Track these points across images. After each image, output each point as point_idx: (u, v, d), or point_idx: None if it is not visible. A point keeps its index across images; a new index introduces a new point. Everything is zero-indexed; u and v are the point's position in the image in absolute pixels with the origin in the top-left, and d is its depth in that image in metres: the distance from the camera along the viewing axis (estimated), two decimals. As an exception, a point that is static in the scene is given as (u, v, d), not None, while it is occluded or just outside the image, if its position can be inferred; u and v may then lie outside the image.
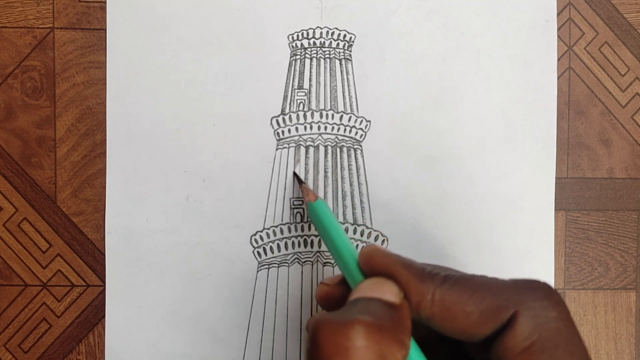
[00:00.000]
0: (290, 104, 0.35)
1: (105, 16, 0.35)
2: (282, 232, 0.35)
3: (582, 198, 0.36)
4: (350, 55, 0.35)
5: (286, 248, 0.35)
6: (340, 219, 0.35)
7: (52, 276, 0.35)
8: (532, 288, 0.22)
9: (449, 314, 0.21)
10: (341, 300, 0.25)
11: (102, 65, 0.35)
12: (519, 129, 0.35)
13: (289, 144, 0.35)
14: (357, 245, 0.35)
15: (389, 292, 0.22)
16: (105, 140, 0.35)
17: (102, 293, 0.35)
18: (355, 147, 0.35)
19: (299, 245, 0.35)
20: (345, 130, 0.35)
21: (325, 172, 0.35)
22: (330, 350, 0.19)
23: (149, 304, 0.34)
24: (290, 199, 0.35)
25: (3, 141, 0.35)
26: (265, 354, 0.34)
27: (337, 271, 0.35)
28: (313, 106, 0.35)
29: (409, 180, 0.35)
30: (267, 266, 0.35)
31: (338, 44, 0.35)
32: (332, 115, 0.35)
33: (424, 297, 0.21)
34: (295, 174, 0.34)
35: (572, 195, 0.36)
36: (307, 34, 0.35)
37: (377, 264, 0.23)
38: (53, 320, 0.35)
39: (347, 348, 0.19)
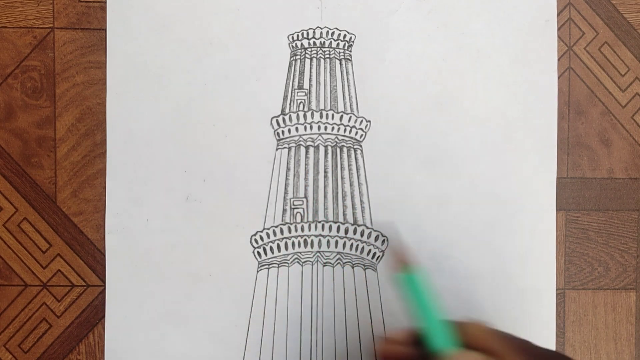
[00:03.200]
0: (290, 104, 0.35)
1: (105, 16, 0.35)
2: (282, 232, 0.35)
3: (582, 198, 0.36)
4: (350, 55, 0.35)
5: (286, 248, 0.35)
6: (340, 219, 0.35)
7: (52, 276, 0.35)
8: None
9: None
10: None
11: (102, 65, 0.35)
12: (519, 129, 0.35)
13: (289, 144, 0.35)
14: (358, 245, 0.35)
15: None
16: (105, 140, 0.35)
17: (102, 293, 0.35)
18: (355, 147, 0.35)
19: (299, 246, 0.35)
20: (345, 130, 0.35)
21: (325, 172, 0.35)
22: None
23: (149, 304, 0.34)
24: (290, 199, 0.35)
25: (3, 141, 0.35)
26: (265, 354, 0.34)
27: (337, 272, 0.35)
28: (313, 106, 0.35)
29: (409, 180, 0.35)
30: (267, 266, 0.35)
31: (338, 44, 0.35)
32: (332, 115, 0.35)
33: None
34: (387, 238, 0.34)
35: (572, 195, 0.36)
36: (307, 34, 0.35)
37: (484, 346, 0.23)
38: (53, 320, 0.35)
39: None
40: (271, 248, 0.35)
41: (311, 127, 0.35)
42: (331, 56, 0.35)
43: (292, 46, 0.35)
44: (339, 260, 0.35)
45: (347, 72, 0.35)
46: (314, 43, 0.35)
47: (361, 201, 0.35)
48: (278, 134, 0.35)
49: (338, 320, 0.34)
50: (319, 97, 0.35)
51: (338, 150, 0.35)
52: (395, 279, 0.26)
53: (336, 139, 0.35)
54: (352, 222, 0.35)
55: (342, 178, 0.35)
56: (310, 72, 0.35)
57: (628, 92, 0.36)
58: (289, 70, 0.35)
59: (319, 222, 0.35)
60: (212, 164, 0.35)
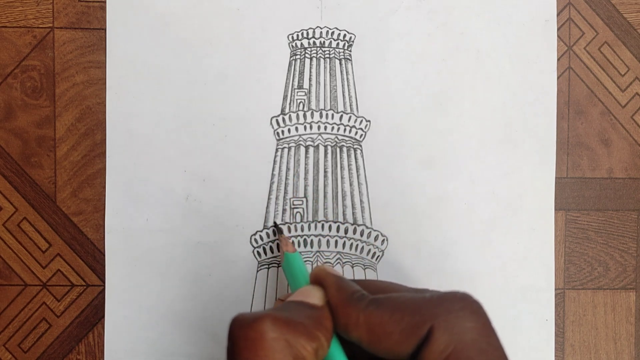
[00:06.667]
0: (290, 103, 0.35)
1: (105, 16, 0.35)
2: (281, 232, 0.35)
3: (582, 198, 0.36)
4: (350, 55, 0.35)
5: (286, 248, 0.35)
6: (340, 218, 0.35)
7: (51, 276, 0.35)
8: (448, 300, 0.22)
9: (374, 336, 0.22)
10: None
11: (102, 65, 0.35)
12: (519, 129, 0.35)
13: (288, 144, 0.35)
14: (358, 244, 0.35)
15: (313, 297, 0.24)
16: (105, 140, 0.35)
17: (102, 293, 0.35)
18: (355, 147, 0.35)
19: (299, 245, 0.35)
20: (345, 130, 0.35)
21: (325, 172, 0.35)
22: (242, 343, 0.21)
23: (149, 304, 0.34)
24: (290, 198, 0.35)
25: (3, 141, 0.35)
26: (265, 354, 0.34)
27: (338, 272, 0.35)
28: (313, 106, 0.35)
29: (409, 180, 0.35)
30: (266, 266, 0.35)
31: (338, 44, 0.35)
32: (332, 115, 0.35)
33: (350, 320, 0.22)
34: (275, 224, 0.34)
35: (571, 195, 0.36)
36: (307, 33, 0.35)
37: (320, 283, 0.25)
38: (53, 320, 0.35)
39: (256, 339, 0.20)
40: (271, 248, 0.35)
41: (311, 127, 0.35)
42: (331, 56, 0.35)
43: (292, 46, 0.35)
44: (338, 260, 0.35)
45: (347, 72, 0.35)
46: (314, 43, 0.35)
47: (361, 201, 0.35)
48: (278, 133, 0.35)
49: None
50: (318, 96, 0.35)
51: (338, 150, 0.35)
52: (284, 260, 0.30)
53: (336, 139, 0.35)
54: (351, 222, 0.35)
55: (342, 178, 0.35)
56: (310, 72, 0.35)
57: (628, 92, 0.36)
58: (288, 70, 0.35)
59: (319, 221, 0.35)
60: (211, 164, 0.35)
